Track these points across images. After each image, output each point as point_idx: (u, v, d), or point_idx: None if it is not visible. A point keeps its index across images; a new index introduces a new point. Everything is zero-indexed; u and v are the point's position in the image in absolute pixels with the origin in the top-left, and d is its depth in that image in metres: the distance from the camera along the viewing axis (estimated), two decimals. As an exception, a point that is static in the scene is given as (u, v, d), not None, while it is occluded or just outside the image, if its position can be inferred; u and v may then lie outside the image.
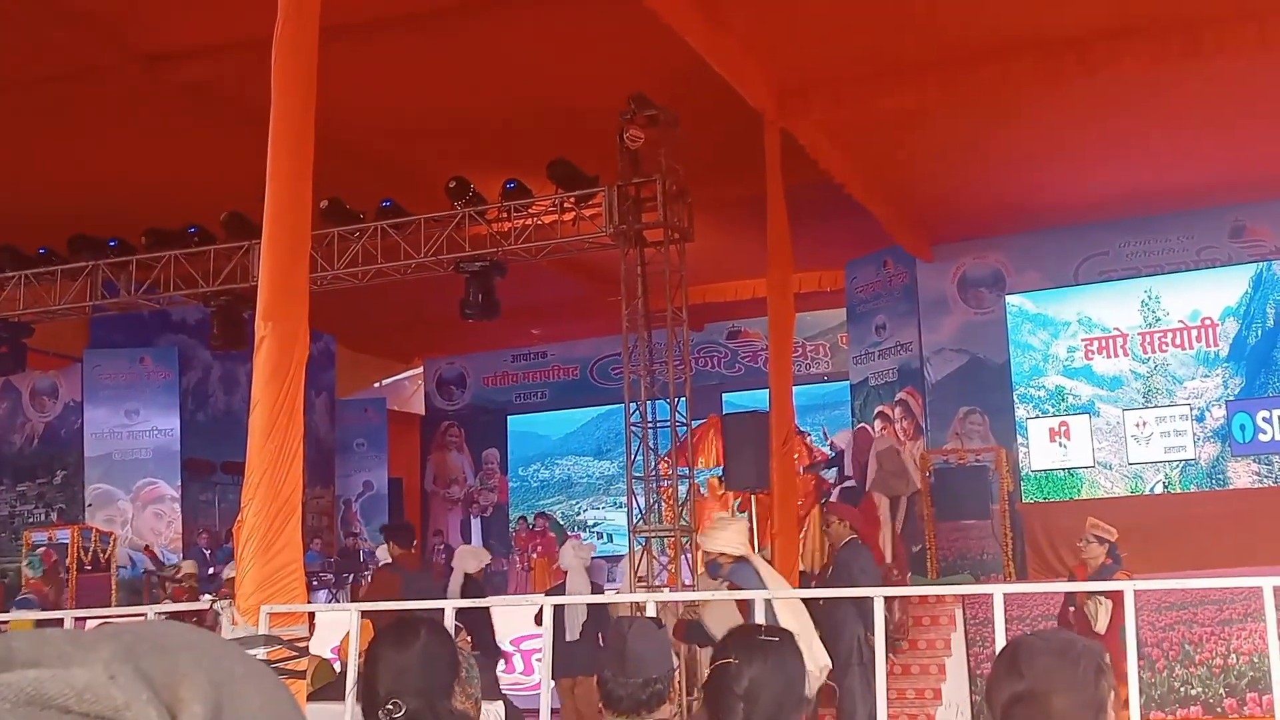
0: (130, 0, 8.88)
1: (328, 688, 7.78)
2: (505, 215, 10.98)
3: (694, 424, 10.62)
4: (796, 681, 2.67)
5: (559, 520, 19.72)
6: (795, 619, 6.11)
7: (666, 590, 9.71)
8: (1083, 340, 13.34)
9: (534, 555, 18.32)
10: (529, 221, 10.92)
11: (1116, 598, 7.90)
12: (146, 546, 15.35)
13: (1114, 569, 8.64)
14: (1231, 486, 12.47)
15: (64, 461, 16.35)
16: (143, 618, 6.92)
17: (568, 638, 8.71)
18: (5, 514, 16.64)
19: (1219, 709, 10.34)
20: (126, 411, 15.84)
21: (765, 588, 6.41)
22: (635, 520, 10.24)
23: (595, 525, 19.96)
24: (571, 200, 10.57)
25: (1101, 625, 8.16)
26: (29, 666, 0.65)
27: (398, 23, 9.11)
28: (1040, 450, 13.27)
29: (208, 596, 8.48)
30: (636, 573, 10.07)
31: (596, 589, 9.91)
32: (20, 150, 11.19)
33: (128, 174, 11.60)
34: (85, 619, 7.09)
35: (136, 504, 15.76)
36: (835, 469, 14.89)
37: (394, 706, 2.71)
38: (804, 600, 6.93)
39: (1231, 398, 12.59)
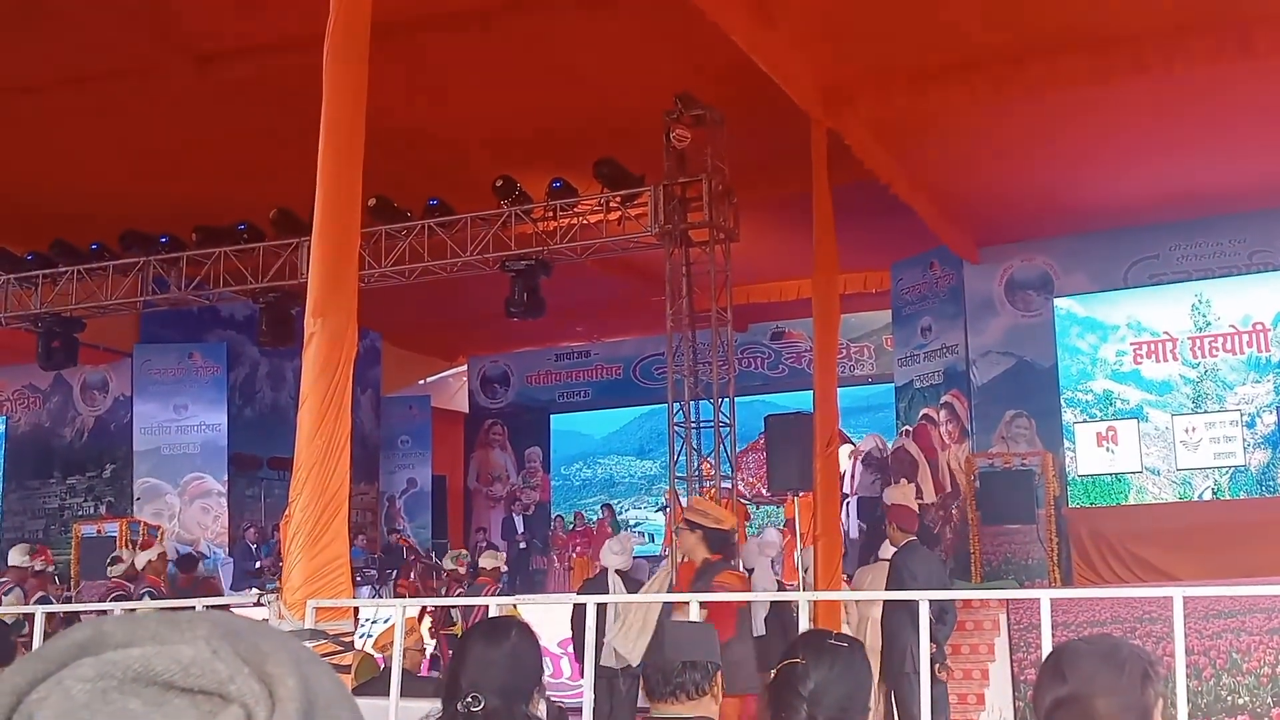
0: (183, -1, 8.99)
1: (371, 683, 7.86)
2: (551, 214, 11.02)
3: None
4: (863, 688, 2.67)
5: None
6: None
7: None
8: (1131, 344, 13.20)
9: (573, 554, 18.33)
10: (574, 220, 10.95)
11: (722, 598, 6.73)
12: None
13: (721, 566, 7.14)
14: (1282, 493, 12.31)
15: (113, 455, 16.57)
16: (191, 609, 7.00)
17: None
18: (55, 507, 16.88)
19: (1266, 718, 10.21)
20: (175, 406, 16.02)
21: None
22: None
23: (637, 525, 19.97)
24: (617, 200, 10.59)
25: None
26: (123, 647, 0.67)
27: (446, 22, 9.16)
28: (1087, 455, 13.15)
29: (254, 590, 8.57)
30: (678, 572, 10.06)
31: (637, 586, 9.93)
32: (74, 147, 11.35)
33: (179, 171, 11.73)
34: (133, 611, 7.18)
35: (184, 498, 15.93)
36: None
37: (474, 700, 2.74)
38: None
39: (1283, 403, 12.43)
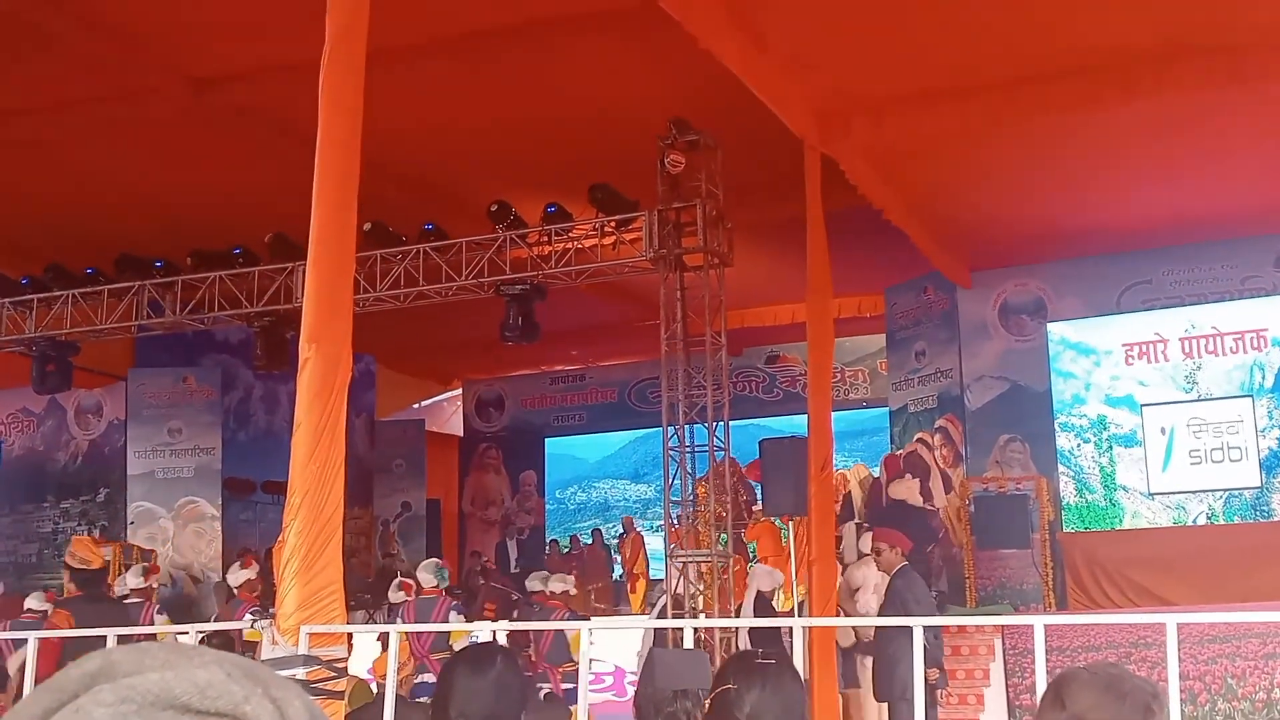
0: (179, 23, 9.01)
1: (365, 709, 7.83)
2: (546, 239, 11.03)
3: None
4: (796, 703, 2.69)
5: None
6: None
7: (702, 616, 9.68)
8: (1125, 369, 13.21)
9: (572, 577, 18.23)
10: (569, 245, 10.97)
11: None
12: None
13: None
14: (1276, 518, 12.30)
15: (107, 479, 16.51)
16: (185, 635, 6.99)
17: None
18: (48, 531, 16.82)
19: (1263, 744, 10.18)
20: (169, 430, 15.97)
21: None
22: (672, 544, 10.23)
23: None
24: (612, 224, 10.61)
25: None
26: (134, 675, 0.69)
27: (442, 48, 9.20)
28: (1082, 479, 13.15)
29: (249, 616, 8.52)
30: (674, 598, 10.04)
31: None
32: (69, 171, 11.36)
33: (174, 195, 11.74)
34: (127, 637, 7.15)
35: (177, 522, 15.87)
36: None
37: None
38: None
39: (1277, 428, 12.44)
